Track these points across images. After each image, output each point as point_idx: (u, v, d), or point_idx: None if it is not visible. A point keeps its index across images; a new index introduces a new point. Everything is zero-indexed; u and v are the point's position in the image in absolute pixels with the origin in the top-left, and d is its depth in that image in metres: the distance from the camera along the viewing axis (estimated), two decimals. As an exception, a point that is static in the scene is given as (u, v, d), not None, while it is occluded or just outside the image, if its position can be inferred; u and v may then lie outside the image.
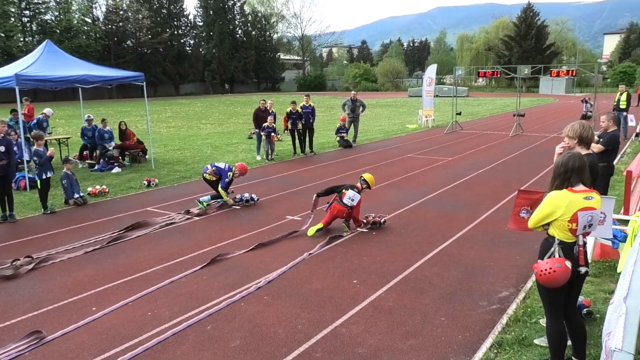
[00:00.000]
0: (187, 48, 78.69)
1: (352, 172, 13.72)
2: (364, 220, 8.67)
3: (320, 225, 8.31)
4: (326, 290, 6.18)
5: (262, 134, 15.60)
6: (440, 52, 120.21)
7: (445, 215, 9.31)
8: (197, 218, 9.38)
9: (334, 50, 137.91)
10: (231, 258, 7.26)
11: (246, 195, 10.41)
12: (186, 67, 75.28)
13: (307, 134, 17.19)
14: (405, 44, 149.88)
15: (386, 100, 55.02)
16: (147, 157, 15.78)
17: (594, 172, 4.72)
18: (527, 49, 73.62)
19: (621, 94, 19.45)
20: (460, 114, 24.97)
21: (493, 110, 38.30)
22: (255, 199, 10.38)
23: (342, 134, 18.92)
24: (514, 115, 22.49)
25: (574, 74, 20.21)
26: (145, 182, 12.30)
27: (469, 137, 21.64)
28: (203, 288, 6.33)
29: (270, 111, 15.98)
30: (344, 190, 8.43)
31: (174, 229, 8.79)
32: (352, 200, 8.37)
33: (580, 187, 4.15)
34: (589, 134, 4.92)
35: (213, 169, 10.01)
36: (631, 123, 18.59)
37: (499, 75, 22.45)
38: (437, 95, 63.38)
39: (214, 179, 9.96)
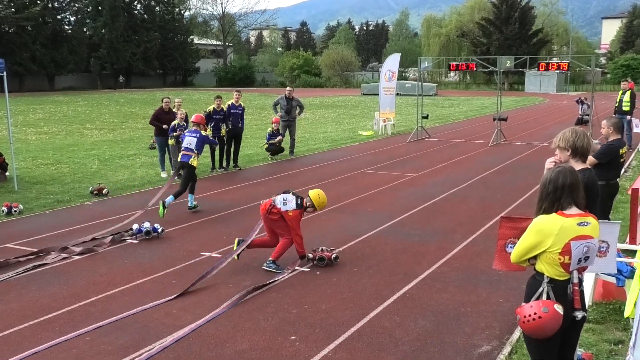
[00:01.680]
0: (67, 27, 76.68)
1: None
2: (309, 255, 8.71)
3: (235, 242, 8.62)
4: (255, 351, 6.12)
5: (170, 140, 15.29)
6: (402, 38, 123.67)
7: (409, 248, 9.48)
8: (78, 257, 9.10)
9: (265, 33, 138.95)
10: (123, 310, 7.07)
11: (146, 225, 10.20)
12: (64, 52, 72.98)
13: (233, 143, 17.18)
14: (357, 27, 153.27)
15: (333, 100, 55.79)
16: (7, 174, 15.24)
17: (591, 191, 4.91)
18: (509, 35, 76.99)
19: (623, 93, 20.54)
20: (427, 117, 25.70)
21: (468, 112, 39.66)
22: (159, 231, 10.21)
23: (274, 142, 19.01)
24: (495, 120, 23.38)
25: (566, 67, 21.20)
26: (4, 209, 11.86)
27: (438, 147, 22.25)
28: (86, 354, 6.11)
29: (179, 112, 15.70)
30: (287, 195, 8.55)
31: (45, 272, 8.48)
32: (285, 202, 8.41)
33: (574, 210, 4.31)
34: (585, 143, 5.12)
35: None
36: (637, 129, 19.57)
37: (474, 69, 23.27)
38: (398, 94, 64.87)
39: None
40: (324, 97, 59.56)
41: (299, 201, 8.52)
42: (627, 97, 20.42)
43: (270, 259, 8.47)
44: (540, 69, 21.70)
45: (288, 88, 19.99)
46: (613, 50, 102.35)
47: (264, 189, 14.17)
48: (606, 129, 8.54)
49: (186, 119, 15.43)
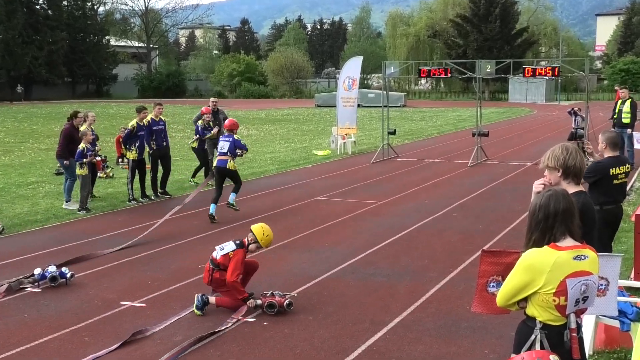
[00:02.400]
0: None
1: (228, 226, 13.68)
2: (257, 301, 8.64)
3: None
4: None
5: (77, 166, 15.09)
6: (363, 38, 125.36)
7: (375, 290, 9.49)
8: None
9: (198, 33, 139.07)
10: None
11: (52, 269, 9.99)
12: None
13: (160, 166, 17.12)
14: (309, 26, 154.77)
15: (282, 113, 55.94)
16: None
17: (587, 218, 4.99)
18: (489, 35, 78.74)
19: (623, 102, 21.09)
20: (394, 133, 25.96)
21: (443, 127, 40.26)
22: (68, 276, 10.01)
23: (210, 136, 18.85)
24: (474, 135, 23.78)
25: (556, 72, 21.70)
26: None
27: (408, 168, 22.48)
28: None
29: (87, 131, 15.49)
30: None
31: None
32: (222, 249, 8.71)
33: (568, 241, 4.37)
34: (577, 161, 5.21)
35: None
36: (638, 145, 20.13)
37: (449, 75, 23.68)
38: (360, 105, 65.41)
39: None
40: (271, 110, 59.67)
41: (237, 241, 8.79)
42: (626, 107, 20.83)
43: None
44: (526, 75, 22.14)
45: (212, 99, 20.09)
46: (610, 52, 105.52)
47: (197, 222, 14.05)
48: (600, 144, 8.79)
49: (94, 142, 15.44)
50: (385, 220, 14.11)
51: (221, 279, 8.67)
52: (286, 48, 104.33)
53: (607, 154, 8.77)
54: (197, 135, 18.68)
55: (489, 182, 19.13)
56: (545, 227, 4.35)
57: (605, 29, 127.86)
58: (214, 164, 14.74)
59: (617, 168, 8.71)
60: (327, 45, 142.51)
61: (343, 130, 26.84)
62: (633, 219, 9.26)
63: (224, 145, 14.27)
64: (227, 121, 15.30)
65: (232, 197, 14.69)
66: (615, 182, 8.71)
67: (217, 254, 8.76)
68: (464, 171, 21.46)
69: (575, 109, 30.92)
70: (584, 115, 26.56)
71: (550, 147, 5.32)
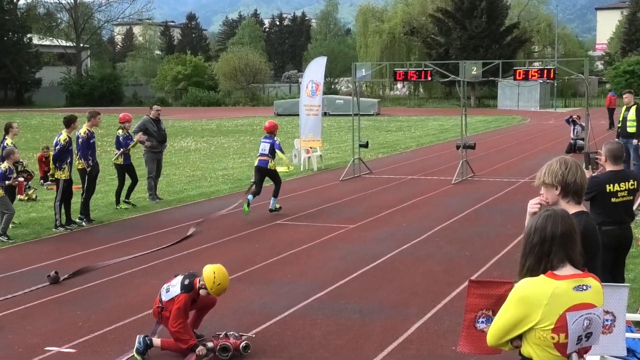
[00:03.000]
0: None
1: (175, 256, 13.59)
2: (209, 344, 8.57)
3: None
4: None
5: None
6: (330, 36, 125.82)
7: (347, 329, 9.48)
8: None
9: (137, 30, 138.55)
10: None
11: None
12: None
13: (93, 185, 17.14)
14: (267, 22, 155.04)
15: (236, 123, 55.84)
16: None
17: (590, 242, 5.01)
18: (474, 32, 79.43)
19: (627, 109, 21.34)
20: (366, 145, 26.04)
21: (422, 138, 40.49)
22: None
23: (135, 143, 18.83)
24: (459, 148, 23.93)
25: (552, 75, 21.90)
26: None
27: (383, 186, 22.54)
28: None
29: (15, 149, 15.38)
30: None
31: None
32: (167, 291, 8.70)
33: (568, 269, 4.38)
34: (578, 177, 5.24)
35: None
36: (645, 157, 20.40)
37: (429, 78, 23.82)
38: (326, 114, 65.59)
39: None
40: (223, 120, 59.54)
41: (186, 282, 8.62)
42: (632, 114, 21.00)
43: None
44: (518, 78, 22.34)
45: (155, 107, 20.21)
46: (612, 51, 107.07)
47: (135, 251, 13.92)
48: (602, 156, 8.92)
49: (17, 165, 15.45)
50: (357, 248, 14.12)
51: (163, 316, 8.72)
52: (240, 48, 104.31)
53: (608, 167, 8.92)
54: (121, 149, 18.63)
55: (477, 201, 19.25)
56: (542, 253, 4.36)
57: (607, 25, 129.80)
58: (255, 163, 18.05)
59: (617, 184, 8.82)
60: (287, 45, 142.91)
61: (307, 143, 26.84)
62: (640, 243, 9.37)
63: (264, 147, 17.65)
64: (267, 123, 18.48)
65: (273, 203, 17.79)
66: (614, 200, 8.82)
67: (163, 295, 8.71)
68: (447, 189, 21.56)
69: (573, 116, 31.33)
70: (583, 124, 26.88)
71: (546, 160, 5.35)
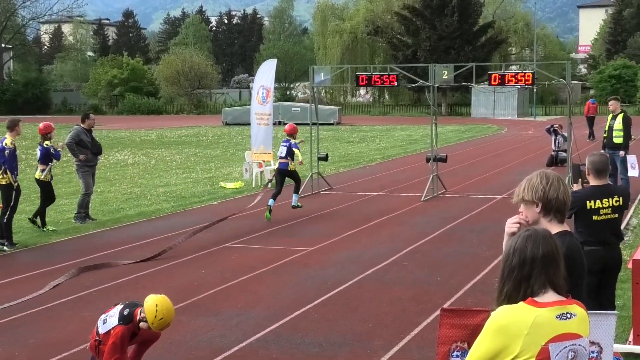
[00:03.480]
0: None
1: (101, 287, 13.47)
2: None
3: None
4: None
5: None
6: (284, 36, 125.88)
7: (305, 366, 9.45)
8: None
9: (67, 29, 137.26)
10: None
11: None
12: None
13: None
14: (213, 20, 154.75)
15: (179, 133, 55.62)
16: None
17: (574, 265, 5.04)
18: (445, 32, 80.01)
19: (613, 118, 21.57)
20: (326, 158, 26.03)
21: (388, 150, 40.63)
22: None
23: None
24: (429, 161, 24.03)
25: (531, 80, 22.05)
26: None
27: (345, 203, 22.56)
28: None
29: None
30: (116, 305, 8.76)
31: None
32: (104, 322, 8.48)
33: (550, 295, 4.37)
34: (560, 193, 5.25)
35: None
36: (633, 171, 20.50)
37: (395, 84, 23.91)
38: (281, 123, 65.52)
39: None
40: (164, 130, 59.26)
41: (125, 312, 8.42)
42: (618, 123, 21.20)
43: None
44: (493, 83, 22.54)
45: (92, 116, 20.46)
46: (596, 54, 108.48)
47: (35, 286, 13.79)
48: (586, 170, 9.02)
49: None
50: (317, 273, 14.12)
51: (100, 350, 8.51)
52: (184, 49, 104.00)
53: (591, 182, 9.01)
54: (49, 164, 18.52)
55: (449, 220, 19.34)
56: (521, 277, 4.37)
57: (590, 25, 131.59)
58: (276, 166, 21.62)
59: (599, 201, 8.89)
60: (237, 46, 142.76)
61: (259, 156, 26.80)
62: (630, 265, 9.42)
63: (282, 150, 20.52)
64: (287, 126, 21.79)
65: (295, 199, 20.90)
66: (595, 217, 8.90)
67: (100, 327, 8.53)
68: (416, 207, 21.64)
69: (555, 126, 31.62)
70: (566, 134, 27.11)
71: (525, 174, 5.38)
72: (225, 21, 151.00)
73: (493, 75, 22.37)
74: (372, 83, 23.76)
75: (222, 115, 69.20)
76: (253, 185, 26.14)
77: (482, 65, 61.36)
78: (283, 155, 20.41)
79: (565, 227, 5.31)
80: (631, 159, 20.41)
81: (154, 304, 8.25)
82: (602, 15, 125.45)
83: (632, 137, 23.10)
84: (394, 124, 64.46)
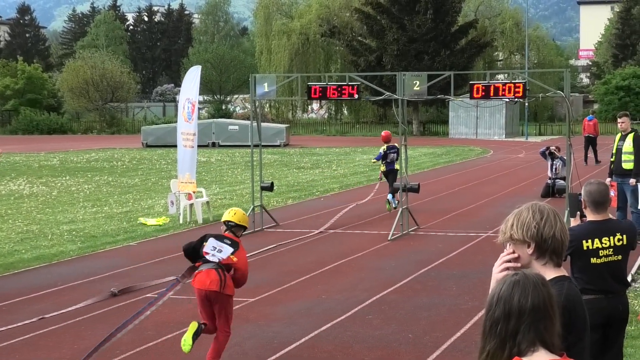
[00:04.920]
0: None
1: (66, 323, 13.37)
2: None
3: (194, 326, 11.94)
4: None
5: None
6: (219, 37, 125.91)
7: None
8: None
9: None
10: None
11: None
12: None
13: None
14: (130, 17, 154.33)
15: (88, 157, 55.33)
16: None
17: (574, 318, 5.16)
18: (416, 34, 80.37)
19: (623, 138, 21.73)
20: (271, 188, 26.06)
21: (347, 177, 40.75)
22: None
23: None
24: (397, 191, 24.10)
25: (520, 91, 22.18)
26: None
27: (295, 244, 22.57)
28: None
29: None
30: (204, 243, 12.26)
31: None
32: (219, 251, 12.06)
33: (541, 354, 4.35)
34: (557, 230, 5.29)
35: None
36: (645, 201, 20.77)
37: (356, 96, 23.99)
38: (215, 144, 65.36)
39: None
40: (69, 153, 58.95)
41: (226, 241, 12.22)
42: (628, 144, 21.30)
43: None
44: (476, 96, 22.64)
45: None
46: (601, 60, 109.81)
47: (17, 316, 13.67)
48: (583, 201, 9.01)
49: None
50: (259, 329, 14.15)
51: (226, 296, 12.13)
52: (94, 52, 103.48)
53: (589, 216, 8.93)
54: None
55: (422, 264, 19.41)
56: (506, 332, 4.39)
57: (593, 25, 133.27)
58: (383, 169, 28.55)
59: (597, 240, 8.76)
60: (160, 49, 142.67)
61: (187, 186, 26.73)
62: (640, 318, 9.52)
63: (393, 157, 28.22)
64: (383, 133, 29.49)
65: (390, 197, 27.57)
66: (594, 260, 8.78)
67: (217, 258, 12.03)
68: (382, 247, 21.70)
69: (552, 148, 31.84)
70: (564, 158, 27.34)
71: (514, 207, 5.37)
72: (145, 18, 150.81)
73: (475, 86, 22.42)
74: (328, 95, 23.81)
75: (142, 135, 68.97)
76: (181, 222, 26.05)
77: (462, 74, 62.21)
78: (393, 161, 28.14)
79: (562, 271, 5.33)
80: (644, 185, 20.61)
81: (236, 212, 12.61)
82: (607, 14, 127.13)
83: None
84: (354, 146, 64.66)
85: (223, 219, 12.57)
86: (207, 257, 12.03)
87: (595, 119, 49.04)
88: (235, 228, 12.38)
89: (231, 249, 12.03)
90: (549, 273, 5.21)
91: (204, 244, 12.14)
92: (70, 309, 15.41)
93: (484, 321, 4.45)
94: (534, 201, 5.39)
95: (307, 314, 15.03)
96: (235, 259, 12.00)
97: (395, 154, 27.78)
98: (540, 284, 4.43)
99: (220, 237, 12.23)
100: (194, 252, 12.37)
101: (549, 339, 4.35)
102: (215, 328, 12.20)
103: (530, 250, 5.22)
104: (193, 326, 11.98)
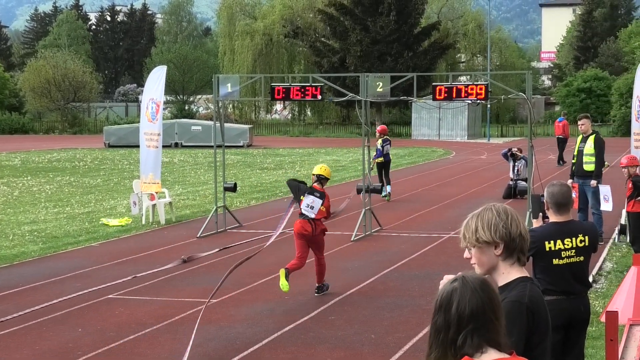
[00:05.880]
0: None
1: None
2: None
3: (283, 272, 15.62)
4: None
5: None
6: (182, 38, 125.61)
7: None
8: None
9: None
10: None
11: None
12: None
13: None
14: (93, 17, 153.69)
15: (50, 158, 55.06)
16: None
17: (540, 320, 5.21)
18: (379, 35, 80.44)
19: (584, 140, 21.84)
20: (234, 189, 25.97)
21: (310, 179, 40.60)
22: None
23: None
24: (360, 192, 24.11)
25: (482, 93, 22.23)
26: None
27: (257, 244, 22.52)
28: None
29: None
30: (302, 197, 16.55)
31: None
32: (312, 208, 16.32)
33: (491, 354, 4.34)
34: (522, 229, 5.29)
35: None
36: (606, 205, 20.80)
37: (319, 97, 23.98)
38: (178, 145, 65.23)
39: None
40: (31, 153, 58.64)
41: (317, 194, 16.53)
42: (589, 146, 21.43)
43: (319, 284, 16.61)
44: (439, 98, 22.67)
45: None
46: (562, 62, 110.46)
47: None
48: (545, 205, 9.03)
49: None
50: (222, 331, 14.12)
51: (316, 234, 16.54)
52: (56, 52, 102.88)
53: (551, 218, 8.97)
54: None
55: (385, 265, 19.46)
56: (446, 341, 4.37)
57: (555, 27, 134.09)
58: (381, 159, 31.28)
59: (559, 241, 8.81)
60: (123, 49, 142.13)
61: (150, 186, 26.61)
62: (603, 319, 9.56)
63: (387, 147, 31.88)
64: (379, 127, 33.33)
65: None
66: (556, 261, 8.83)
67: (310, 213, 16.34)
68: (345, 248, 21.71)
69: (513, 149, 31.99)
70: (525, 158, 27.43)
71: (476, 209, 5.38)
72: (108, 18, 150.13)
73: (438, 88, 22.46)
74: (291, 96, 23.78)
75: (104, 135, 68.67)
76: (143, 222, 25.95)
77: (424, 76, 62.40)
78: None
79: (525, 272, 5.34)
80: (604, 189, 20.68)
81: (320, 168, 17.38)
82: (568, 16, 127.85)
83: (606, 163, 23.34)
84: (317, 147, 64.71)
85: (315, 172, 17.17)
86: (304, 211, 16.35)
87: (565, 121, 49.07)
88: (323, 180, 16.98)
89: (320, 201, 16.38)
90: (514, 273, 5.24)
91: (302, 198, 16.52)
92: (96, 287, 15.31)
93: (431, 328, 4.42)
94: (490, 203, 5.36)
95: (270, 315, 15.02)
96: (323, 209, 16.42)
97: (389, 144, 32.53)
98: (479, 288, 4.36)
99: (312, 191, 16.63)
100: (294, 189, 17.32)
101: (496, 340, 4.32)
102: (301, 264, 16.39)
103: (498, 251, 5.20)
104: (282, 272, 15.66)
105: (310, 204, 16.29)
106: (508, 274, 5.18)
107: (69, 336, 13.88)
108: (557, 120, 49.57)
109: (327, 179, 17.29)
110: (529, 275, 5.41)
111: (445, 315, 4.30)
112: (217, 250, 21.35)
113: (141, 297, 16.69)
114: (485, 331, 4.29)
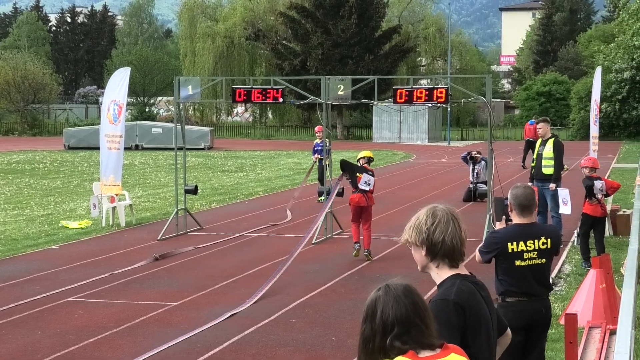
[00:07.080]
0: None
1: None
2: None
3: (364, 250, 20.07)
4: None
5: None
6: (143, 40, 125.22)
7: None
8: None
9: None
10: None
11: None
12: None
13: None
14: (53, 18, 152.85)
15: (8, 159, 54.78)
16: None
17: (471, 315, 5.28)
18: (341, 39, 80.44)
19: (543, 143, 21.96)
20: (195, 191, 25.93)
21: (272, 181, 40.71)
22: None
23: None
24: (321, 195, 24.12)
25: (443, 97, 22.27)
26: None
27: (219, 247, 22.50)
28: None
29: None
30: (358, 174, 20.04)
31: None
32: (368, 184, 19.99)
33: (426, 353, 4.43)
34: (449, 234, 5.36)
35: None
36: (565, 208, 20.90)
37: (281, 100, 23.96)
38: (138, 147, 64.91)
39: None
40: (-10, 155, 58.22)
41: (370, 173, 20.35)
42: (548, 150, 21.54)
43: (368, 249, 20.23)
44: (399, 101, 22.70)
45: None
46: (522, 66, 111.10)
47: None
48: (509, 205, 9.09)
49: None
50: (183, 334, 14.02)
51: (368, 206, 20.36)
52: (15, 53, 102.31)
53: (515, 220, 9.06)
54: None
55: (346, 268, 19.47)
56: (374, 350, 4.40)
57: (515, 31, 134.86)
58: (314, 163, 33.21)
59: (522, 243, 8.91)
60: (83, 50, 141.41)
61: (110, 188, 26.50)
62: (562, 321, 9.61)
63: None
64: (317, 128, 33.74)
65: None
66: (518, 263, 8.92)
67: (367, 188, 20.06)
68: (306, 251, 21.64)
69: (473, 152, 32.09)
70: (485, 160, 27.54)
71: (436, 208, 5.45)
72: (68, 19, 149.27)
73: (399, 91, 22.47)
74: (252, 99, 23.75)
75: (64, 137, 68.25)
76: (103, 225, 25.82)
77: (385, 79, 62.51)
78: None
79: (456, 270, 5.42)
80: (563, 193, 20.78)
81: (363, 152, 21.20)
82: (528, 20, 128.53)
83: (565, 166, 23.43)
84: (279, 149, 64.68)
85: (362, 155, 21.07)
86: (360, 185, 19.93)
87: (536, 124, 48.99)
88: (371, 161, 21.25)
89: (373, 179, 20.46)
90: (444, 273, 5.35)
91: (359, 175, 20.06)
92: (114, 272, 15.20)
93: (359, 337, 4.44)
94: (433, 203, 5.46)
95: (231, 318, 14.97)
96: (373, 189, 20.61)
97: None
98: (402, 294, 4.46)
99: (363, 170, 20.41)
100: (349, 168, 20.55)
101: (426, 342, 4.39)
102: (358, 232, 20.29)
103: (423, 252, 5.35)
104: (364, 251, 20.19)
105: (367, 181, 20.01)
106: (440, 272, 5.26)
107: (28, 339, 13.79)
108: (528, 123, 49.71)
109: (372, 160, 21.67)
110: (460, 272, 5.47)
111: (371, 324, 4.41)
112: (191, 248, 21.92)
113: (101, 300, 16.61)
114: (414, 333, 4.35)
